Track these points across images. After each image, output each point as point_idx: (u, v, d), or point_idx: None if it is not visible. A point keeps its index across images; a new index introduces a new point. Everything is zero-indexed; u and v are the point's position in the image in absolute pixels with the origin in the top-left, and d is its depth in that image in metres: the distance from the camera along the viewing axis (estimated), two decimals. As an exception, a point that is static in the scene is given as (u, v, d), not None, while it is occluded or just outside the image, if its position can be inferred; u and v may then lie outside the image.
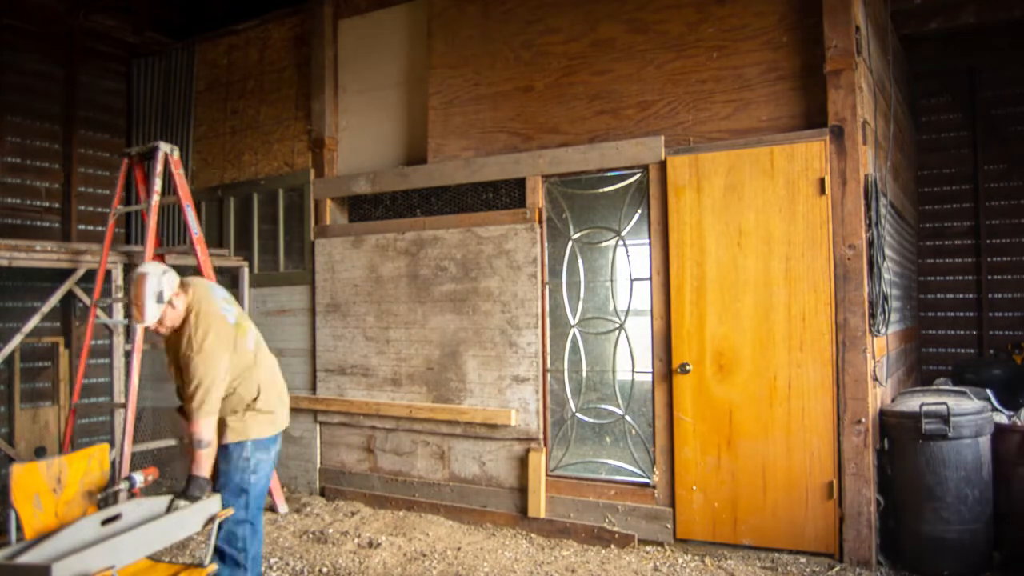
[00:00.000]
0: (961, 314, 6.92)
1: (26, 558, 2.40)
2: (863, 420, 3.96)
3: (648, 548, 4.39)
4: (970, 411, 3.92)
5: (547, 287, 4.88)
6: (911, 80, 6.75)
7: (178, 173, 4.96)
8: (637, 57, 4.65)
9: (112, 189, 6.97)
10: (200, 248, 5.04)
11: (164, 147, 4.90)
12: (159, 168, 4.87)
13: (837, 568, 3.94)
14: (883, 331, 4.19)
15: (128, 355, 4.81)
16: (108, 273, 5.13)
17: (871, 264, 4.07)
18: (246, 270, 6.09)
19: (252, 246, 6.25)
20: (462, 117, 5.24)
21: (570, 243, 4.90)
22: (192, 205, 5.04)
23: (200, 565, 3.00)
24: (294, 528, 4.86)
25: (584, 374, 4.87)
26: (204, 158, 6.61)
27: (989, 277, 6.81)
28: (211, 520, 2.93)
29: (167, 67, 6.85)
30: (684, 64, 4.51)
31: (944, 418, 3.85)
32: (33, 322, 5.25)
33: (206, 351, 3.05)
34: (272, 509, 5.21)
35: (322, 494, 5.66)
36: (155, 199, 4.86)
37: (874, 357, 4.10)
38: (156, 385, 6.43)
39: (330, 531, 4.73)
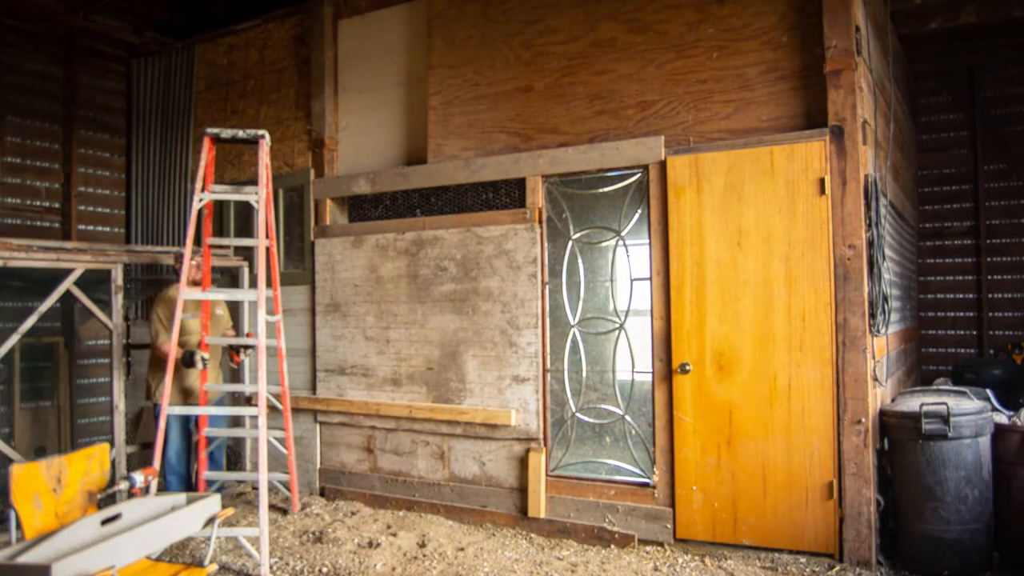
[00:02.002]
0: (961, 314, 6.92)
1: (26, 558, 2.40)
2: (863, 420, 3.96)
3: (648, 548, 4.39)
4: (970, 411, 3.92)
5: (547, 287, 4.88)
6: (911, 80, 6.75)
7: (266, 163, 4.70)
8: (637, 57, 4.65)
9: (112, 189, 6.99)
10: (271, 245, 4.90)
11: (267, 136, 4.69)
12: (264, 158, 4.64)
13: (837, 568, 3.94)
14: (883, 331, 4.19)
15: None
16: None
17: (871, 264, 4.07)
18: (246, 270, 6.09)
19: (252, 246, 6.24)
20: (462, 117, 5.24)
21: (570, 243, 4.90)
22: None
23: (200, 565, 3.00)
24: (294, 528, 4.86)
25: (584, 374, 4.87)
26: (204, 158, 6.60)
27: (989, 277, 6.81)
28: (211, 520, 2.93)
29: (167, 67, 6.85)
30: (684, 64, 4.51)
31: (944, 418, 3.86)
32: (30, 322, 5.24)
33: None
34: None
35: (322, 494, 5.66)
36: (264, 192, 4.63)
37: (874, 357, 4.10)
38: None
39: (330, 531, 4.73)
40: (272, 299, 5.04)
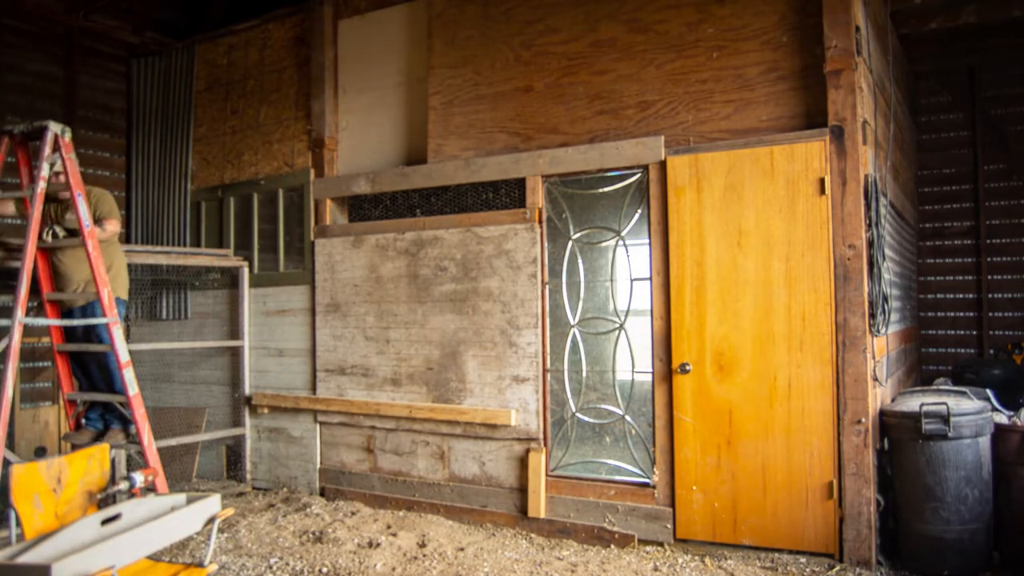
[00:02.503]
0: (961, 314, 6.91)
1: (26, 558, 2.40)
2: (863, 420, 3.96)
3: (648, 548, 4.39)
4: (970, 411, 3.92)
5: (547, 287, 4.88)
6: (911, 80, 6.75)
7: (69, 157, 4.37)
8: (637, 57, 4.65)
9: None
10: (92, 243, 4.37)
11: (54, 127, 4.33)
12: (47, 151, 4.29)
13: (837, 568, 3.94)
14: (883, 331, 4.19)
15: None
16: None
17: (871, 264, 4.07)
18: (246, 270, 6.09)
19: (252, 246, 6.26)
20: (462, 117, 5.24)
21: (570, 243, 4.90)
22: (84, 194, 4.40)
23: (200, 565, 3.00)
24: (294, 528, 4.86)
25: (584, 374, 4.87)
26: (204, 158, 6.61)
27: (989, 277, 6.81)
28: (211, 520, 2.93)
29: (167, 67, 6.85)
30: (684, 64, 4.51)
31: (944, 418, 3.85)
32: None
33: None
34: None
35: (322, 494, 5.66)
36: (41, 186, 4.26)
37: (874, 357, 4.10)
38: (155, 385, 6.44)
39: (330, 531, 4.73)
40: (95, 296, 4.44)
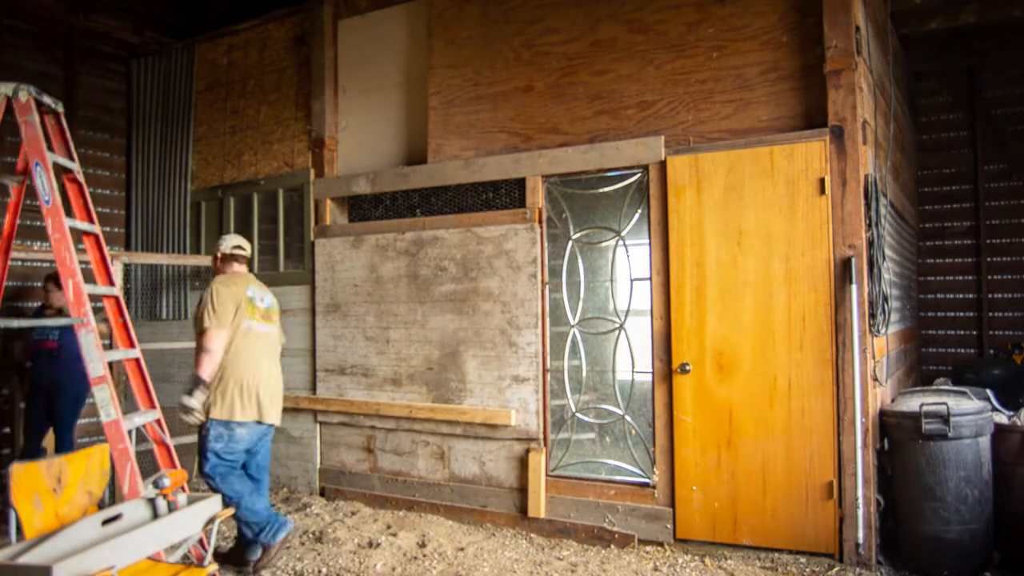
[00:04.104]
0: (961, 314, 6.91)
1: (27, 558, 2.40)
2: (863, 420, 3.96)
3: (648, 548, 4.39)
4: (970, 411, 3.92)
5: (547, 287, 4.88)
6: (911, 80, 6.75)
7: (25, 120, 3.68)
8: (637, 57, 4.65)
9: (112, 189, 6.98)
10: (53, 221, 3.57)
11: (2, 88, 3.66)
12: (29, 126, 3.67)
13: (837, 568, 3.94)
14: (883, 331, 4.19)
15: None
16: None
17: (871, 264, 4.07)
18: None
19: (252, 246, 6.24)
20: (462, 117, 5.24)
21: (570, 243, 4.90)
22: (45, 165, 3.62)
23: (200, 565, 3.00)
24: (294, 528, 4.85)
25: (584, 374, 4.87)
26: (204, 158, 6.61)
27: (989, 277, 6.81)
28: (211, 520, 2.93)
29: (167, 67, 6.85)
30: (684, 64, 4.51)
31: (944, 418, 3.85)
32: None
33: None
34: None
35: (322, 494, 5.66)
36: (26, 162, 3.68)
37: (874, 357, 4.10)
38: (158, 387, 6.42)
39: (330, 531, 4.73)
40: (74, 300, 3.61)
